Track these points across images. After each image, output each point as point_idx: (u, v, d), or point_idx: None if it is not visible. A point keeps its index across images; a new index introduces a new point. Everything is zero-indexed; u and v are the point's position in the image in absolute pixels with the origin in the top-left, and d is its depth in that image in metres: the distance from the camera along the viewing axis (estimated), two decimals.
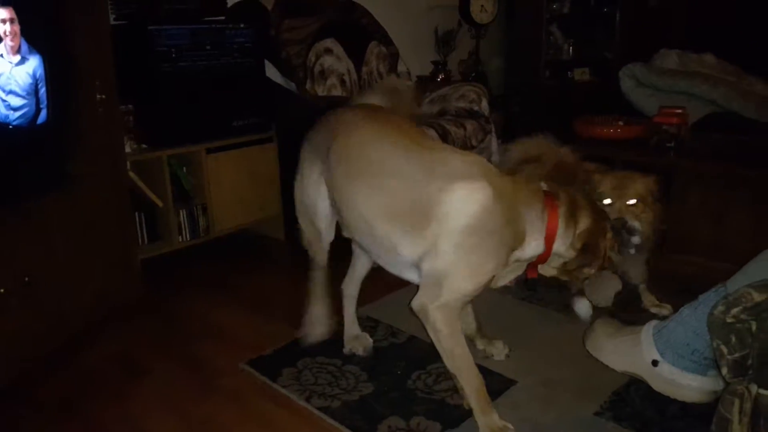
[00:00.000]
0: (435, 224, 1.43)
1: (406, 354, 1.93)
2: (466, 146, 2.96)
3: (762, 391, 1.08)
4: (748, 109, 3.26)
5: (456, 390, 1.70)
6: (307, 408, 1.67)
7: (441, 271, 1.45)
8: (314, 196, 1.73)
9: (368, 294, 2.11)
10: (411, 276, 1.56)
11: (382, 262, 1.63)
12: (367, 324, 2.10)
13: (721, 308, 1.14)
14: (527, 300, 2.26)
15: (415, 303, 1.51)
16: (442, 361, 1.85)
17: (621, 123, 3.02)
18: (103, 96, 2.19)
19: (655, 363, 1.61)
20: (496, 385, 1.73)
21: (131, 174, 2.51)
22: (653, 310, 2.17)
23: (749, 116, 3.20)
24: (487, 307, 2.16)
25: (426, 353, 1.92)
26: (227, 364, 1.91)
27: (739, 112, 3.26)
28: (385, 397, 1.70)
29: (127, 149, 2.47)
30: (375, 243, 1.57)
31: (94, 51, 2.15)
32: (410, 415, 1.61)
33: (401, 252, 1.50)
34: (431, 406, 1.65)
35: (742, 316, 1.11)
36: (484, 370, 1.79)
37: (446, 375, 1.79)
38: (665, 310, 2.15)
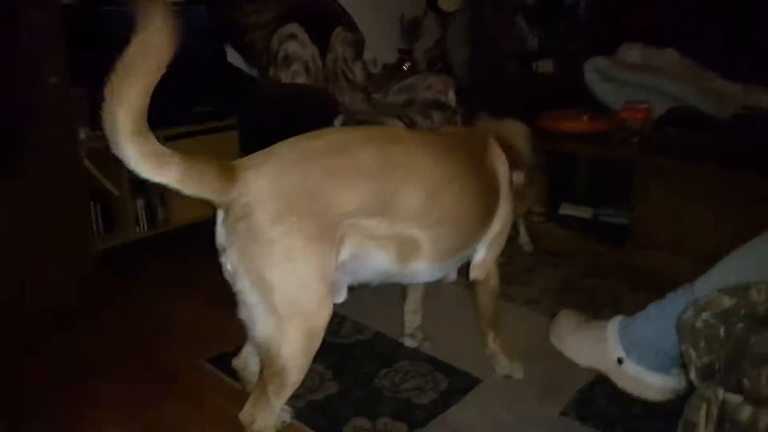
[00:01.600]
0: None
1: (372, 351, 1.90)
2: None
3: (729, 396, 1.09)
4: (706, 104, 3.30)
5: (422, 389, 1.70)
6: None
7: (502, 227, 1.62)
8: (331, 280, 1.24)
9: None
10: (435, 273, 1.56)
11: (432, 275, 1.54)
12: (333, 320, 2.05)
13: (690, 312, 1.14)
14: None
15: (480, 272, 1.66)
16: (407, 359, 1.85)
17: (585, 118, 3.02)
18: (55, 79, 2.08)
19: (620, 360, 1.62)
20: (461, 383, 1.72)
21: (86, 162, 2.41)
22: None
23: (708, 112, 3.25)
24: (452, 303, 2.15)
25: (392, 350, 1.90)
26: (188, 362, 1.85)
27: (698, 108, 3.30)
28: (350, 396, 1.67)
29: (82, 136, 2.36)
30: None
31: (44, 32, 2.04)
32: (376, 415, 1.59)
33: (480, 239, 1.59)
34: (397, 406, 1.63)
35: (712, 321, 1.12)
36: (449, 368, 1.79)
37: (413, 373, 1.78)
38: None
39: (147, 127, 1.01)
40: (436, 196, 1.35)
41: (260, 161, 1.18)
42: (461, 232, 1.47)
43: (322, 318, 1.23)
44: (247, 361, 1.49)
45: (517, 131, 1.74)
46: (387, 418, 1.58)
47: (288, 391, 1.25)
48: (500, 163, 1.60)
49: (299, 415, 1.59)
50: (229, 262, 1.19)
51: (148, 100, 1.00)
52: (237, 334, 1.69)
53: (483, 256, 1.64)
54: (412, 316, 1.92)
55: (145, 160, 1.03)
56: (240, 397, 1.66)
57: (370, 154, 1.26)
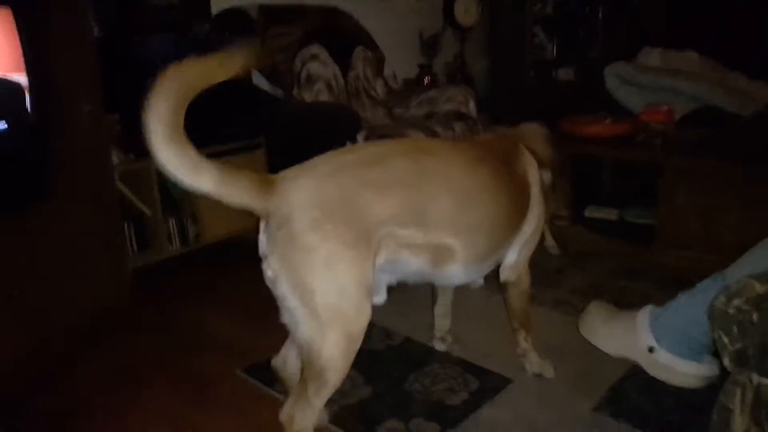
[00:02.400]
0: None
1: (403, 356, 1.92)
2: None
3: (764, 381, 1.08)
4: (731, 104, 3.29)
5: (453, 390, 1.71)
6: None
7: (534, 230, 1.64)
8: (369, 285, 1.26)
9: None
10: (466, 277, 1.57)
11: (464, 279, 1.56)
12: None
13: (722, 299, 1.15)
14: None
15: (511, 274, 1.68)
16: (437, 362, 1.86)
17: (608, 121, 3.02)
18: (90, 107, 2.17)
19: (651, 349, 1.62)
20: (492, 383, 1.73)
21: (119, 184, 2.49)
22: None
23: (732, 110, 3.23)
24: (481, 306, 2.17)
25: (422, 354, 1.92)
26: (223, 372, 1.89)
27: (722, 108, 3.28)
28: (382, 400, 1.69)
29: (115, 159, 2.44)
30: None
31: (79, 63, 2.13)
32: (409, 417, 1.61)
33: (513, 242, 1.61)
34: (429, 408, 1.64)
35: (744, 307, 1.12)
36: (480, 370, 1.80)
37: (443, 375, 1.79)
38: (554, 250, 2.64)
39: (184, 137, 1.09)
40: (469, 204, 1.39)
41: (297, 174, 1.23)
42: (494, 236, 1.50)
43: (361, 321, 1.25)
44: (286, 361, 1.51)
45: (534, 133, 1.77)
46: (420, 419, 1.59)
47: (327, 392, 1.27)
48: (531, 167, 1.63)
49: (334, 419, 1.62)
50: (270, 269, 1.23)
51: (182, 113, 1.09)
52: (269, 345, 1.74)
53: (515, 257, 1.65)
54: (442, 320, 1.94)
55: (182, 165, 1.09)
56: (274, 404, 1.70)
57: (403, 165, 1.30)
